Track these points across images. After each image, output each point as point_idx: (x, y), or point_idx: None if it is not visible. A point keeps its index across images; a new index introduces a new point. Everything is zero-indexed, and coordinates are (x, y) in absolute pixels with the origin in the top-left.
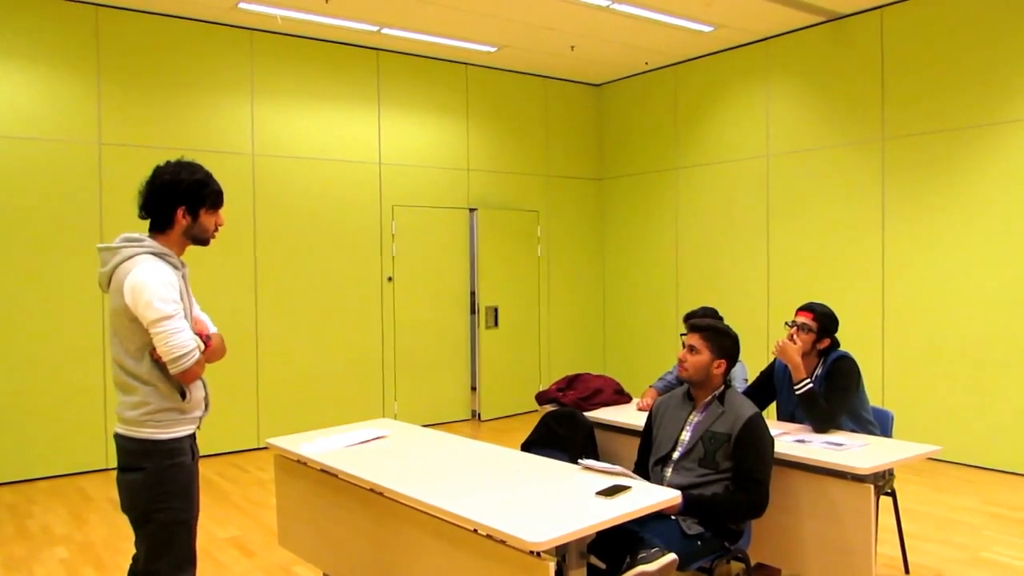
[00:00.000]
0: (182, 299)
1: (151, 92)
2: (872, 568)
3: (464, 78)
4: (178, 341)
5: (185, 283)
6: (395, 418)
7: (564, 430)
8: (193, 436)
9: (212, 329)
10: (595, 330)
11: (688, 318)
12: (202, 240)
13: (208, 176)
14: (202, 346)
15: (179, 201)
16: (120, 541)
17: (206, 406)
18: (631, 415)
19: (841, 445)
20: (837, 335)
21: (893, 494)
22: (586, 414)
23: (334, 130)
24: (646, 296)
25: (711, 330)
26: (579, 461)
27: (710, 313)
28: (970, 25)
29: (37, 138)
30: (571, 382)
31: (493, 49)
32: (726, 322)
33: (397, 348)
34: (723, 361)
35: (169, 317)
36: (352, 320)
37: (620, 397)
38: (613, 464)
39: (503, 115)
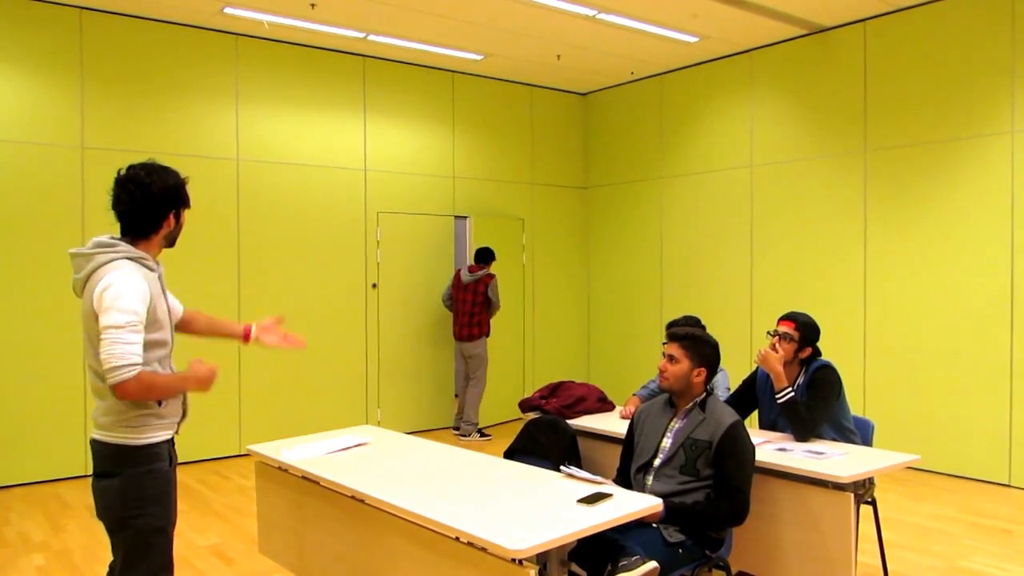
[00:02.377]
0: (158, 301)
1: (135, 96)
2: None
3: (450, 86)
4: (118, 351)
5: (161, 283)
6: (378, 425)
7: (547, 438)
8: (171, 441)
9: (178, 307)
10: (579, 338)
11: (670, 327)
12: (174, 241)
13: (183, 178)
14: (145, 368)
15: (171, 206)
16: (98, 548)
17: (184, 411)
18: (614, 423)
19: (822, 454)
20: (819, 344)
21: (873, 503)
22: (569, 422)
23: (319, 136)
24: (630, 304)
25: (689, 339)
26: (561, 468)
27: (692, 322)
28: (952, 39)
29: (18, 141)
30: (554, 390)
31: (479, 57)
32: (709, 330)
33: (381, 355)
34: (703, 369)
35: (119, 327)
36: (336, 326)
37: (603, 405)
38: (595, 475)
39: (489, 123)
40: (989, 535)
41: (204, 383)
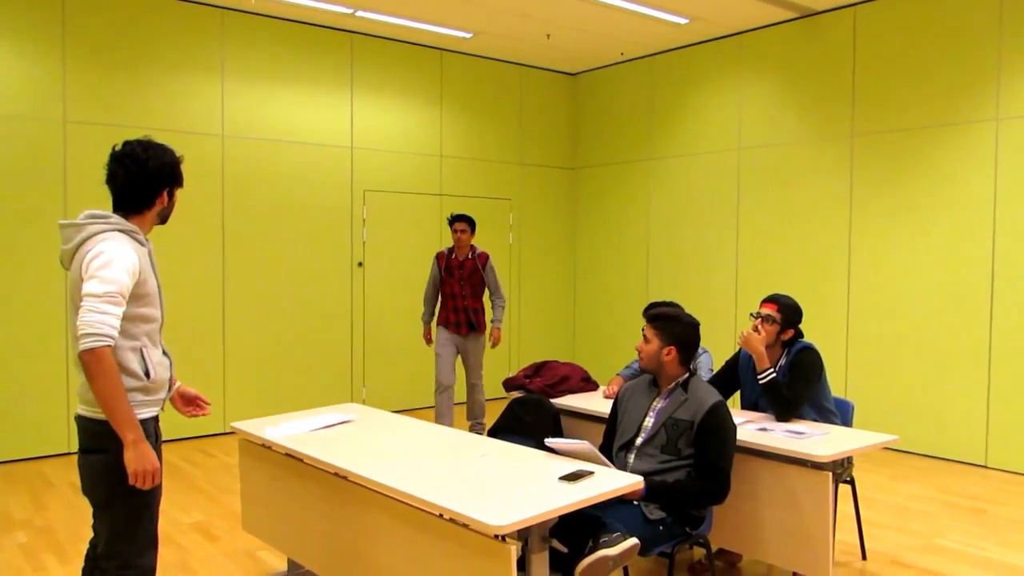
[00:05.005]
0: (148, 275)
1: (118, 70)
2: (830, 554)
3: (439, 64)
4: (91, 319)
5: (151, 259)
6: (364, 403)
7: (530, 416)
8: (156, 419)
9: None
10: (565, 318)
11: (647, 310)
12: (167, 218)
13: (179, 156)
14: (113, 344)
15: (165, 183)
16: (81, 526)
17: (170, 388)
18: (597, 402)
19: (802, 434)
20: (802, 326)
21: (852, 482)
22: (553, 401)
23: (306, 113)
24: (616, 285)
25: (660, 318)
26: (546, 440)
27: (665, 305)
28: (940, 26)
29: None
30: (538, 369)
31: (468, 35)
32: (693, 312)
33: (367, 333)
34: (672, 348)
35: (97, 296)
36: (322, 305)
37: (587, 384)
38: (579, 440)
39: (477, 102)
40: (965, 514)
41: (139, 461)
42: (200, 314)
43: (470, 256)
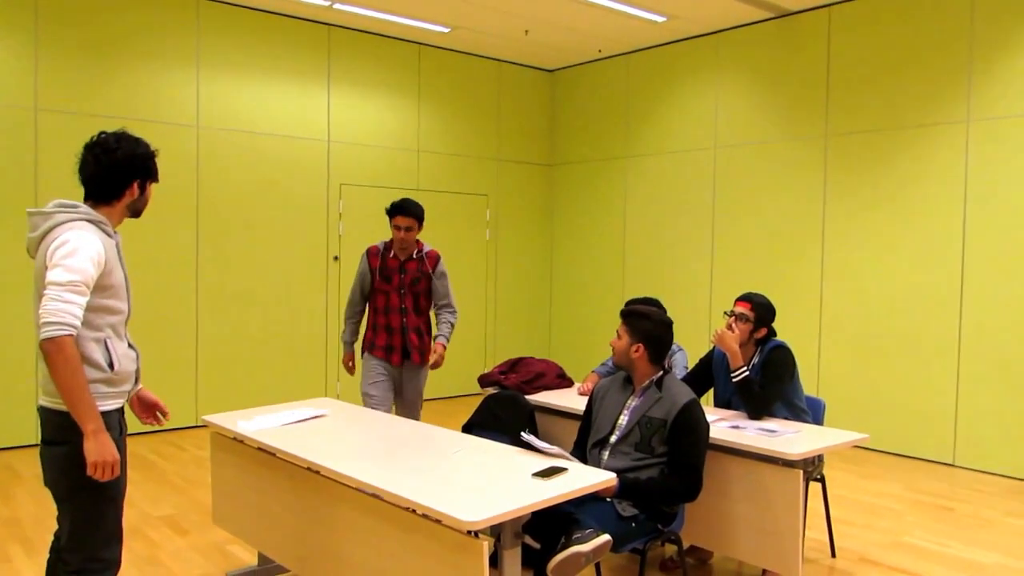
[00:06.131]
0: (114, 266)
1: (92, 58)
2: (800, 551)
3: (417, 58)
4: (57, 307)
5: (118, 251)
6: (338, 398)
7: (505, 413)
8: (121, 411)
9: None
10: (541, 315)
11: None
12: (140, 212)
13: (153, 150)
14: (75, 333)
15: (135, 175)
16: (48, 518)
17: (136, 380)
18: (572, 399)
19: (774, 432)
20: (775, 325)
21: (822, 480)
22: (528, 397)
23: (282, 105)
24: (593, 282)
25: (631, 315)
26: (522, 435)
27: (645, 301)
28: (913, 28)
29: None
30: (513, 365)
31: (447, 30)
32: (669, 310)
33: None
34: (640, 345)
35: (61, 284)
36: (296, 298)
37: (562, 381)
38: (552, 446)
39: (455, 97)
40: (932, 512)
41: (98, 452)
42: (173, 306)
43: (415, 256)
